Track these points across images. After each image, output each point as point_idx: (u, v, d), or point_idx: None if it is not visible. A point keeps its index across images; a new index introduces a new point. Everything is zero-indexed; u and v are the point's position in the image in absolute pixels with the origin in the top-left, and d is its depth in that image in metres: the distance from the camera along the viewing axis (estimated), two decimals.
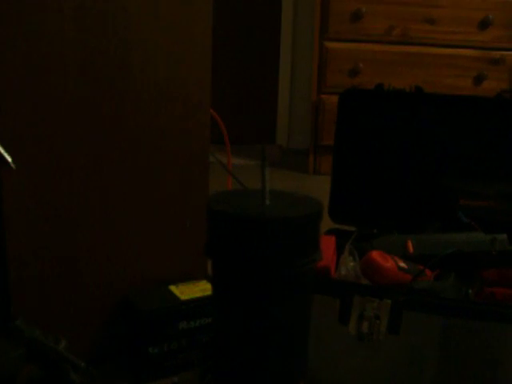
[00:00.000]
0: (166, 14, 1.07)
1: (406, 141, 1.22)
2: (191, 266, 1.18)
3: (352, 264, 0.98)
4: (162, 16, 1.07)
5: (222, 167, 1.27)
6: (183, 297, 1.09)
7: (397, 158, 1.22)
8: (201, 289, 1.12)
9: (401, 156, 1.22)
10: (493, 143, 1.22)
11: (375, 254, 0.94)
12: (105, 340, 1.11)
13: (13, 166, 0.81)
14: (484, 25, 2.57)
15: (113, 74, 1.03)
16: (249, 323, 0.66)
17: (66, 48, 0.97)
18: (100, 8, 0.99)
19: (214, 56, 1.16)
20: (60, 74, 0.98)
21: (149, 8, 1.05)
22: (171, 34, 1.08)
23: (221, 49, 2.95)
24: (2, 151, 0.80)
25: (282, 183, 2.47)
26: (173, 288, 1.12)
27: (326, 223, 1.23)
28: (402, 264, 0.97)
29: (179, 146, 1.14)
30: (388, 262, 0.94)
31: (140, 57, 1.05)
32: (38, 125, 0.97)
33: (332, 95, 2.59)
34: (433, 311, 0.93)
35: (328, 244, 1.03)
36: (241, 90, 3.14)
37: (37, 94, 0.96)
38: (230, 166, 1.36)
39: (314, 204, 0.65)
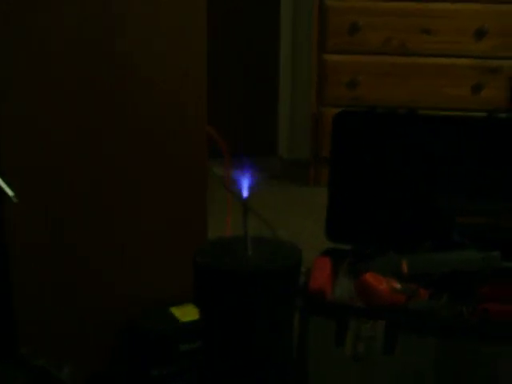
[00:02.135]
0: (161, 31, 1.07)
1: (400, 160, 1.24)
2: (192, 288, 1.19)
3: (347, 286, 1.00)
4: (157, 34, 1.06)
5: (221, 182, 1.27)
6: (184, 319, 1.11)
7: (392, 178, 1.24)
8: None
9: (396, 175, 1.24)
10: (486, 161, 1.23)
11: (369, 277, 0.96)
12: (107, 362, 1.13)
13: (15, 200, 0.83)
14: (480, 34, 2.58)
15: (109, 86, 1.03)
16: (235, 368, 0.68)
17: (66, 56, 0.98)
18: (98, 17, 0.99)
19: (214, 68, 1.16)
20: (58, 85, 0.98)
21: (145, 22, 1.04)
22: (167, 46, 1.07)
23: (221, 62, 2.97)
24: (4, 186, 0.83)
25: (283, 195, 2.49)
26: (174, 310, 1.14)
27: (321, 241, 1.25)
28: (396, 285, 0.99)
29: (177, 164, 1.14)
30: (381, 284, 0.96)
31: (135, 68, 1.05)
32: (35, 141, 0.97)
33: (332, 107, 2.60)
34: (427, 332, 0.95)
35: (323, 266, 1.05)
36: (241, 101, 3.15)
37: (35, 107, 0.96)
38: (229, 179, 1.37)
39: (293, 253, 0.67)
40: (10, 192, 0.83)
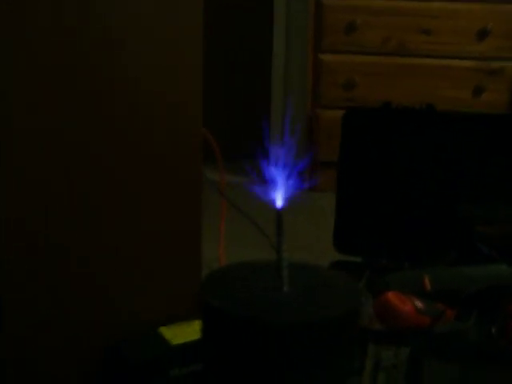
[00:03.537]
0: (153, 35, 1.01)
1: (416, 163, 1.13)
2: (183, 306, 1.07)
3: (364, 306, 0.88)
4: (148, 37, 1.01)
5: (215, 187, 1.20)
6: (175, 341, 1.00)
7: (406, 183, 1.13)
8: (195, 330, 1.02)
9: (410, 180, 1.13)
10: (509, 164, 1.13)
11: (392, 296, 0.84)
12: None
13: None
14: (482, 35, 2.52)
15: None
16: None
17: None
18: (99, 18, 0.95)
19: (206, 69, 1.10)
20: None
21: (134, 25, 0.99)
22: (160, 49, 1.03)
23: (210, 61, 2.88)
24: None
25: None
26: (164, 330, 1.03)
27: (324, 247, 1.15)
28: (420, 304, 0.88)
29: (169, 169, 1.07)
30: (406, 305, 0.84)
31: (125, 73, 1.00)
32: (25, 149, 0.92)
33: (327, 109, 2.54)
34: (455, 358, 0.84)
35: None
36: (232, 102, 3.08)
37: (35, 107, 0.92)
38: (223, 185, 1.30)
39: (347, 290, 0.47)
40: None
